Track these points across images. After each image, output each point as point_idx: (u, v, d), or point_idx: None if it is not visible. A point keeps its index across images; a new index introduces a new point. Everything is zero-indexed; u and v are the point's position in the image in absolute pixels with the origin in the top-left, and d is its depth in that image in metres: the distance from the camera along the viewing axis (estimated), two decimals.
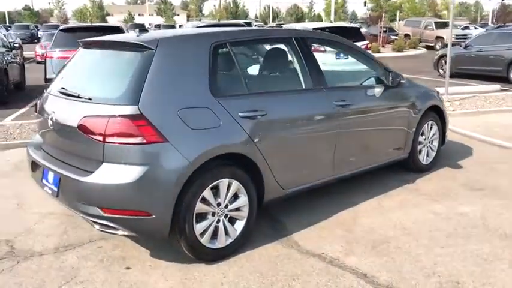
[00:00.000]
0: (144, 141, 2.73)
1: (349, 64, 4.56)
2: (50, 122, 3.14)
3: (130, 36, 3.32)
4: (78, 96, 2.98)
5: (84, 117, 2.84)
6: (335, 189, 4.22)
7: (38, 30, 36.96)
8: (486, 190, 4.37)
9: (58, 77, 3.54)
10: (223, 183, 3.05)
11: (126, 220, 2.80)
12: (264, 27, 5.20)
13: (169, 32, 3.33)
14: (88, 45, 3.50)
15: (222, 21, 12.44)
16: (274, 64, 3.73)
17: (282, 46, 3.72)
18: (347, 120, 3.80)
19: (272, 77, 3.74)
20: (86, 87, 3.13)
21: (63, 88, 3.17)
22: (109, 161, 2.77)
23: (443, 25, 25.44)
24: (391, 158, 4.46)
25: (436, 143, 5.01)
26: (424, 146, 4.85)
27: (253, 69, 3.52)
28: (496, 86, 10.99)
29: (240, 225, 3.20)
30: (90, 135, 2.80)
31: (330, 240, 3.40)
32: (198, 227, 2.97)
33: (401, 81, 4.28)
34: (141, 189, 2.74)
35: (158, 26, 44.94)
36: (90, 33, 9.68)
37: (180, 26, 43.91)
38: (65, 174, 2.96)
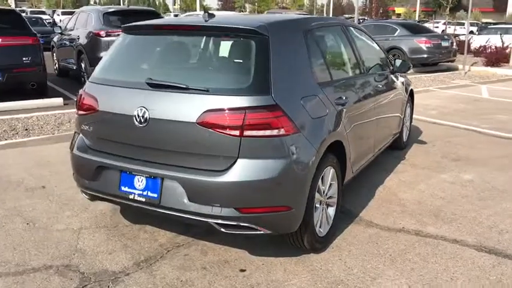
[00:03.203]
0: (282, 132, 2.58)
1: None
2: (138, 119, 2.70)
3: (199, 20, 3.01)
4: (187, 88, 2.63)
5: (208, 111, 2.54)
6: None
7: None
8: (463, 160, 5.13)
9: (115, 67, 3.03)
10: (328, 171, 3.05)
11: (264, 217, 2.63)
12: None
13: (260, 17, 3.13)
14: (157, 31, 3.09)
15: (131, 7, 11.39)
16: (340, 51, 3.78)
17: (340, 33, 3.79)
18: (381, 102, 4.09)
19: (341, 64, 3.79)
20: (193, 77, 2.76)
21: (150, 79, 2.74)
22: (245, 157, 2.54)
23: None
24: (394, 137, 4.91)
25: (408, 123, 5.65)
26: (404, 126, 5.43)
27: (330, 56, 3.51)
28: None
29: (332, 212, 3.24)
30: (222, 131, 2.52)
31: (396, 216, 3.66)
32: (316, 217, 2.94)
33: (410, 68, 4.74)
34: (283, 183, 2.60)
35: None
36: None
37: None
38: (179, 177, 2.61)
